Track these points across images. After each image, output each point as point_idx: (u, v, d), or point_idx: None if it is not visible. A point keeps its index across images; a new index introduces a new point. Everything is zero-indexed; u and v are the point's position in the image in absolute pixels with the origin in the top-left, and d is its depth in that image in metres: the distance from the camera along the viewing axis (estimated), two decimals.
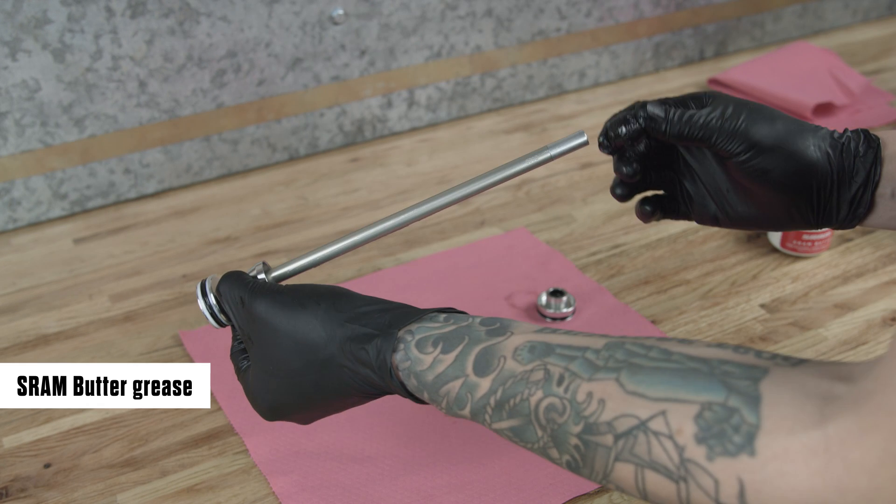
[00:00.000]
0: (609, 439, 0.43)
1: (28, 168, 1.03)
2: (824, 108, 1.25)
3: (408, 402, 0.77)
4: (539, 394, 0.45)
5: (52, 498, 0.70)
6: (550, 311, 0.87)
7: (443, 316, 0.53)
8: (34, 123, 1.02)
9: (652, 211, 0.66)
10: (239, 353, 0.60)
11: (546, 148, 0.59)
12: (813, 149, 0.59)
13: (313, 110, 1.18)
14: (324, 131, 1.20)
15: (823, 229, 0.93)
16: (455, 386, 0.49)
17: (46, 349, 0.86)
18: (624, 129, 0.60)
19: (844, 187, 0.60)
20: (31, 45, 0.97)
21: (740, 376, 0.41)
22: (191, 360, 0.84)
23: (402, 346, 0.51)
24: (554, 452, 0.46)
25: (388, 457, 0.73)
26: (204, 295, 0.59)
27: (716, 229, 1.01)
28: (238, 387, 0.80)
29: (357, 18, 1.15)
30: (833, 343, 0.84)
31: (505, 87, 1.30)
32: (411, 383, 0.51)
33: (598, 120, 1.28)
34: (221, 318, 0.59)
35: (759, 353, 0.43)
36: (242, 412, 0.77)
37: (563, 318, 0.87)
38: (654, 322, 0.87)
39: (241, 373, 0.60)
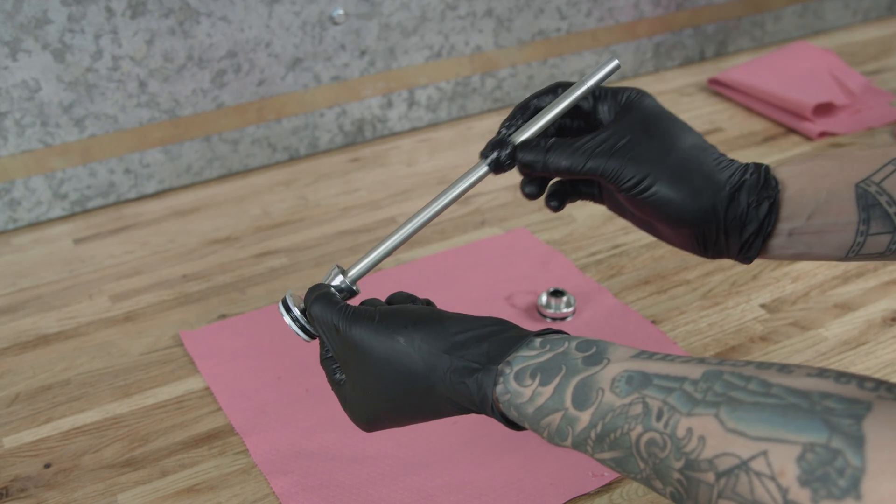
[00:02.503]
0: (711, 477, 0.42)
1: (28, 168, 1.03)
2: (824, 108, 1.25)
3: None
4: (639, 428, 0.45)
5: (53, 498, 0.70)
6: (550, 312, 0.87)
7: (539, 341, 0.52)
8: (34, 123, 1.02)
9: (559, 205, 0.64)
10: (330, 361, 0.60)
11: (582, 81, 0.58)
12: (703, 198, 0.56)
13: (313, 110, 1.18)
14: (324, 131, 1.20)
15: None
16: (555, 419, 0.49)
17: (46, 349, 0.86)
18: (501, 161, 0.59)
19: (734, 235, 0.57)
20: (31, 45, 0.97)
21: (842, 413, 0.40)
22: (191, 361, 0.84)
23: (501, 379, 0.51)
24: (658, 484, 0.46)
25: (388, 457, 0.73)
26: (288, 311, 0.59)
27: None
28: (238, 387, 0.80)
29: (357, 18, 1.15)
30: (833, 343, 0.84)
31: (505, 87, 1.30)
32: (512, 414, 0.51)
33: None
34: (311, 329, 0.59)
35: (861, 383, 0.41)
36: (242, 412, 0.77)
37: (563, 319, 0.87)
38: (654, 322, 0.87)
39: (335, 383, 0.60)
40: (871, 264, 0.94)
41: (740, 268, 0.94)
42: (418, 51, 1.21)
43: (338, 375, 0.59)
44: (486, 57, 1.27)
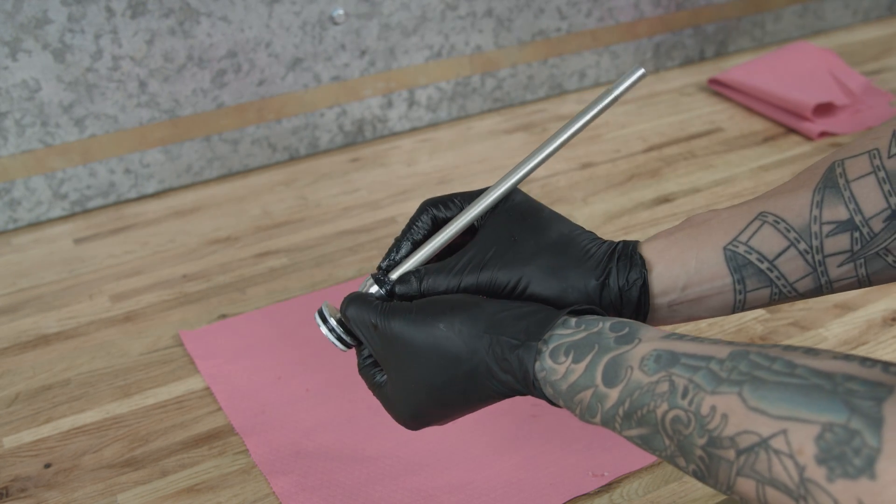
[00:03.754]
0: (731, 454, 0.43)
1: (28, 168, 1.03)
2: (824, 108, 1.25)
3: None
4: (665, 406, 0.46)
5: (53, 498, 0.70)
6: None
7: (574, 321, 0.53)
8: (34, 123, 1.02)
9: None
10: (370, 368, 0.60)
11: (609, 90, 0.58)
12: (576, 292, 0.57)
13: (313, 110, 1.18)
14: (324, 131, 1.20)
15: None
16: (586, 395, 0.50)
17: (46, 349, 0.86)
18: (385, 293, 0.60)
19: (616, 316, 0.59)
20: (31, 45, 0.97)
21: (864, 395, 0.40)
22: (191, 361, 0.84)
23: (538, 356, 0.52)
24: (681, 461, 0.47)
25: (388, 457, 0.73)
26: (325, 321, 0.60)
27: None
28: (238, 387, 0.80)
29: (357, 18, 1.15)
30: (833, 343, 0.84)
31: (505, 87, 1.30)
32: (548, 391, 0.52)
33: (599, 120, 1.28)
34: (348, 339, 0.60)
35: (886, 367, 0.42)
36: (242, 412, 0.77)
37: None
38: None
39: (377, 387, 0.60)
40: None
41: None
42: (418, 51, 1.21)
43: (378, 378, 0.60)
44: (486, 57, 1.27)
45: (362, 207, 1.09)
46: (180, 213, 1.08)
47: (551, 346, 0.52)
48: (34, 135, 1.02)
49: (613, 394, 0.49)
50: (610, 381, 0.49)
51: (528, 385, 0.53)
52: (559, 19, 1.30)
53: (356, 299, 0.58)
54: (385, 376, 0.59)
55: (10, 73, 0.98)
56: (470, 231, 0.61)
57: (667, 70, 1.44)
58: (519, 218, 0.59)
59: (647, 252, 0.58)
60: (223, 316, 0.90)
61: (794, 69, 1.32)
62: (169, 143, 1.10)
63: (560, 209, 1.06)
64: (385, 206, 1.09)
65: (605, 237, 0.60)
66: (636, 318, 0.58)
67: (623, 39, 1.37)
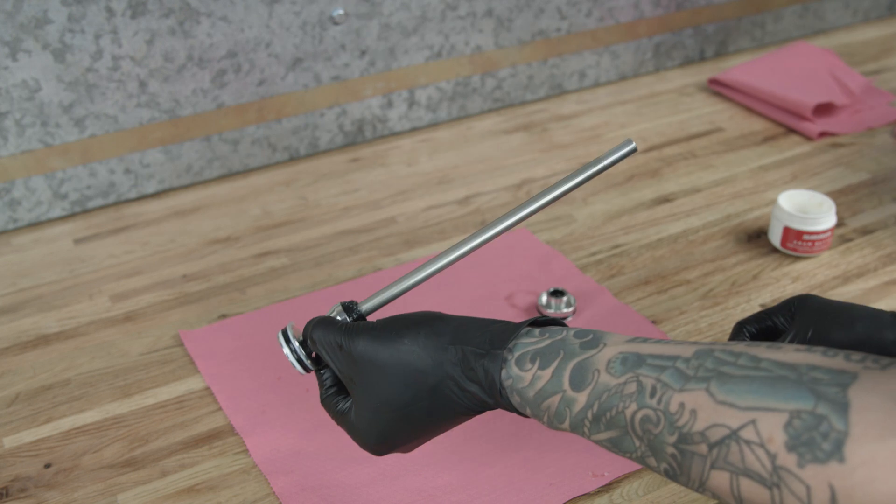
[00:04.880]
0: (703, 448, 0.44)
1: (28, 168, 1.03)
2: (824, 108, 1.25)
3: None
4: (633, 406, 0.47)
5: (53, 498, 0.70)
6: (551, 312, 0.87)
7: (538, 331, 0.54)
8: (34, 123, 1.02)
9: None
10: (332, 397, 0.60)
11: (597, 160, 0.59)
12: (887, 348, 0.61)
13: (313, 110, 1.18)
14: (324, 131, 1.20)
15: (825, 228, 0.93)
16: (554, 401, 0.51)
17: (46, 349, 0.86)
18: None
19: None
20: (31, 46, 0.97)
21: (829, 383, 0.41)
22: (191, 361, 0.84)
23: (504, 364, 0.52)
24: (652, 461, 0.47)
25: (388, 457, 0.73)
26: (288, 342, 0.60)
27: (717, 229, 1.01)
28: (238, 387, 0.80)
29: (357, 18, 1.15)
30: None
31: (505, 87, 1.30)
32: (515, 399, 0.53)
33: (599, 120, 1.28)
34: (308, 363, 0.60)
35: (847, 356, 0.43)
36: (242, 412, 0.77)
37: (563, 319, 0.87)
38: (654, 322, 0.87)
39: (340, 415, 0.60)
40: (870, 264, 0.94)
41: (740, 268, 0.94)
42: (418, 51, 1.21)
43: (341, 406, 0.60)
44: (486, 57, 1.27)
45: (362, 207, 1.09)
46: (180, 213, 1.08)
47: (516, 354, 0.52)
48: (34, 135, 1.02)
49: (581, 398, 0.49)
50: (577, 385, 0.50)
51: (495, 394, 0.53)
52: (559, 19, 1.30)
53: (322, 322, 0.59)
54: (348, 403, 0.59)
55: (10, 73, 0.98)
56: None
57: (667, 70, 1.44)
58: (826, 311, 0.63)
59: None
60: (223, 316, 0.90)
61: (794, 69, 1.32)
62: (169, 143, 1.10)
63: (560, 209, 1.06)
64: (385, 206, 1.09)
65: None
66: None
67: (623, 39, 1.37)
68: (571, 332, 0.53)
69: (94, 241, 1.04)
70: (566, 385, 0.50)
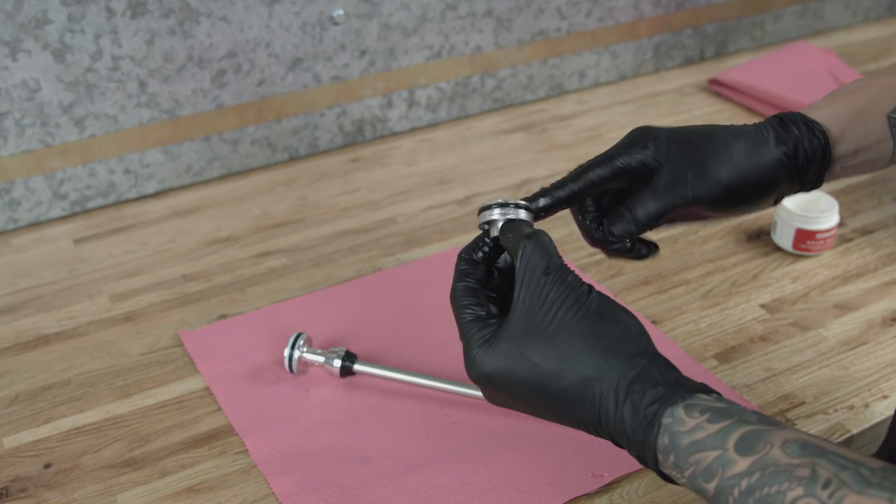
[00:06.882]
0: None
1: (28, 168, 1.03)
2: None
3: (408, 403, 0.77)
4: (799, 491, 0.43)
5: (52, 498, 0.70)
6: None
7: (715, 395, 0.51)
8: (34, 123, 1.02)
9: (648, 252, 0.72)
10: (483, 319, 0.55)
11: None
12: (774, 172, 0.62)
13: (313, 110, 1.18)
14: (324, 131, 1.20)
15: (833, 225, 0.93)
16: (709, 456, 0.47)
17: (46, 349, 0.86)
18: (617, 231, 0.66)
19: (796, 187, 0.64)
20: (31, 46, 0.97)
21: None
22: (191, 361, 0.84)
23: (673, 404, 0.50)
24: None
25: (388, 457, 0.73)
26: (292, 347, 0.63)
27: (717, 229, 1.01)
28: (238, 387, 0.80)
29: (357, 18, 1.15)
30: (833, 343, 0.84)
31: (505, 87, 1.30)
32: (662, 441, 0.49)
33: (598, 120, 1.28)
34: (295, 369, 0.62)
35: None
36: (242, 412, 0.77)
37: None
38: (654, 322, 0.87)
39: (474, 323, 0.55)
40: (870, 264, 0.94)
41: (740, 268, 0.94)
42: (418, 51, 1.21)
43: (486, 334, 0.54)
44: (486, 57, 1.27)
45: (362, 207, 1.09)
46: (180, 213, 1.08)
47: (688, 401, 0.50)
48: (34, 135, 1.02)
49: (743, 462, 0.46)
50: (744, 449, 0.46)
51: (647, 426, 0.49)
52: (559, 19, 1.30)
53: (543, 241, 0.59)
54: (493, 329, 0.54)
55: (10, 73, 0.98)
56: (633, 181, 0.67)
57: (667, 70, 1.44)
58: (693, 140, 0.63)
59: (823, 117, 0.63)
60: (223, 316, 0.90)
61: (794, 69, 1.33)
62: (169, 143, 1.10)
63: None
64: (385, 206, 1.09)
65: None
66: (815, 184, 0.64)
67: (623, 39, 1.37)
68: (750, 409, 0.50)
69: (93, 241, 1.04)
70: (730, 445, 0.47)
